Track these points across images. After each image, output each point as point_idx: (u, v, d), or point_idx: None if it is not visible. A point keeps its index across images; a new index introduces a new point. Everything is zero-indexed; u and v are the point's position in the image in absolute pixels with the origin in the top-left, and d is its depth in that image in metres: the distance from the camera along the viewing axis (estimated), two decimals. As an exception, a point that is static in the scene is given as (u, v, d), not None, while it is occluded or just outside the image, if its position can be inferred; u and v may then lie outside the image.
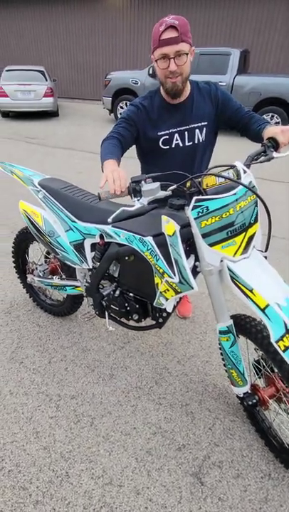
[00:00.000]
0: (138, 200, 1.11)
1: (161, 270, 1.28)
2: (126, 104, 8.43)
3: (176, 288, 1.26)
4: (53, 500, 1.25)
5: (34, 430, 1.48)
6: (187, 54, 1.31)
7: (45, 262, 2.09)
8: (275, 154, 1.26)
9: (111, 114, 8.91)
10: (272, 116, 7.19)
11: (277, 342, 1.03)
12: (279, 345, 1.03)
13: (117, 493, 1.27)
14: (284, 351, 1.03)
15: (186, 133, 1.51)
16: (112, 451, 1.41)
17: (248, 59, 8.25)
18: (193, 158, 1.57)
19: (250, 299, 1.09)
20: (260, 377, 1.40)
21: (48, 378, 1.74)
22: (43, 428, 1.49)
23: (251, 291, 1.09)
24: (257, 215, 1.20)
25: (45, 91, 8.91)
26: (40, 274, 1.99)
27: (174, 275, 1.24)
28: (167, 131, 1.50)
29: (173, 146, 1.53)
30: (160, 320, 1.53)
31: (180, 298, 2.25)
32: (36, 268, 2.02)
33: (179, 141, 1.52)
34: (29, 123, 8.76)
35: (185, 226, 1.18)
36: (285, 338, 1.03)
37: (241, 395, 1.35)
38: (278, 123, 7.15)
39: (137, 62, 12.05)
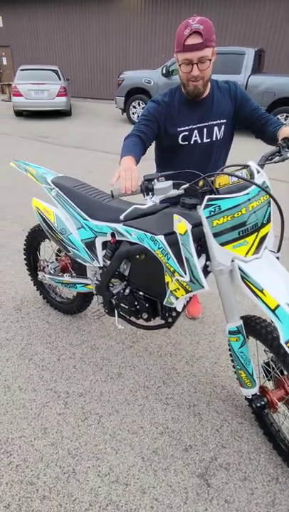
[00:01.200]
0: (150, 198, 1.12)
1: (172, 269, 1.28)
2: (138, 103, 8.44)
3: (187, 287, 1.26)
4: (59, 496, 1.26)
5: (42, 426, 1.50)
6: (210, 59, 1.32)
7: (56, 259, 2.11)
8: None
9: (123, 113, 8.93)
10: (287, 116, 7.11)
11: (287, 343, 1.03)
12: None
13: (123, 492, 1.28)
14: None
15: (204, 129, 1.52)
16: (118, 450, 1.42)
17: (263, 58, 8.16)
18: (210, 156, 1.58)
19: (261, 299, 1.08)
20: (269, 380, 1.39)
21: (56, 375, 1.76)
22: (51, 424, 1.51)
23: (262, 291, 1.08)
24: (270, 215, 1.19)
25: (58, 90, 8.99)
26: (51, 272, 2.01)
27: (185, 274, 1.24)
28: (187, 128, 1.51)
29: (192, 142, 1.54)
30: (169, 320, 1.53)
31: (190, 298, 2.26)
32: (47, 265, 2.04)
33: (198, 138, 1.53)
34: (42, 122, 8.85)
35: (197, 225, 1.18)
36: None
37: (250, 397, 1.34)
38: (292, 123, 7.05)
39: (150, 61, 12.06)
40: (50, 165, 5.28)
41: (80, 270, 1.86)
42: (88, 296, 1.97)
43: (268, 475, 1.35)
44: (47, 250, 2.32)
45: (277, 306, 1.05)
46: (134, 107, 8.56)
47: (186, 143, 1.55)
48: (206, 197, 1.10)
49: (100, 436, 1.47)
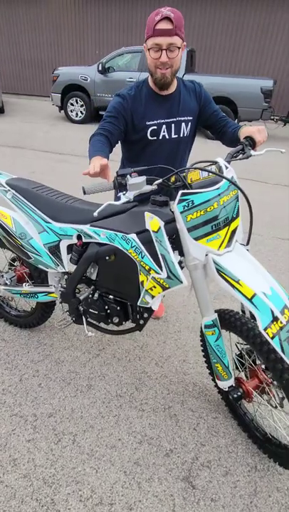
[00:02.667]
0: (124, 194, 1.09)
1: (147, 267, 1.24)
2: (76, 101, 8.15)
3: (164, 284, 1.23)
4: (40, 532, 1.14)
5: (11, 458, 1.35)
6: (179, 48, 1.30)
7: (10, 269, 1.93)
8: (252, 152, 1.30)
9: (61, 111, 8.56)
10: (220, 114, 7.42)
11: (265, 330, 1.04)
12: (267, 333, 1.04)
13: (108, 513, 1.20)
14: (272, 338, 1.03)
15: (172, 125, 1.49)
16: (98, 468, 1.33)
17: (194, 59, 8.39)
18: (176, 152, 1.56)
19: (237, 289, 1.09)
20: (241, 371, 1.41)
21: (20, 398, 1.60)
22: (21, 454, 1.37)
23: (238, 282, 1.09)
24: (238, 209, 1.22)
25: (-13, 86, 8.29)
26: (7, 282, 1.82)
27: (162, 271, 1.21)
28: (156, 122, 1.47)
29: (160, 137, 1.50)
30: (141, 322, 1.48)
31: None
32: (2, 276, 1.84)
33: (166, 133, 1.49)
34: (-28, 120, 8.12)
35: (169, 222, 1.17)
36: (272, 326, 1.04)
37: (226, 389, 1.34)
38: (226, 121, 7.39)
39: (84, 58, 11.72)
40: (-13, 167, 4.84)
41: (41, 278, 1.71)
42: (49, 306, 1.83)
43: (247, 465, 1.38)
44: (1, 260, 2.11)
45: (254, 295, 1.07)
46: (71, 104, 8.24)
47: (155, 138, 1.51)
48: (180, 192, 1.09)
49: (76, 458, 1.36)
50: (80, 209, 1.43)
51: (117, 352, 1.90)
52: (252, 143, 1.34)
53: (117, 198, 1.72)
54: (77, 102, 8.16)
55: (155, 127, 1.47)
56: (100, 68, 7.66)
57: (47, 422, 1.49)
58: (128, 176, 1.09)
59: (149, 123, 1.46)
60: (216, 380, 1.37)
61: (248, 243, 1.24)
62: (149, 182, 1.13)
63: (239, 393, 1.31)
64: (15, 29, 12.09)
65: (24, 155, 5.54)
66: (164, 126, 1.48)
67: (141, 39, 10.63)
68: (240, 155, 1.30)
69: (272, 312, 1.05)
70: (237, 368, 1.44)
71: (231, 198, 1.18)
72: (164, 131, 1.49)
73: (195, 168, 1.13)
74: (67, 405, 1.57)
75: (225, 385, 1.33)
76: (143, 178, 1.09)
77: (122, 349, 1.92)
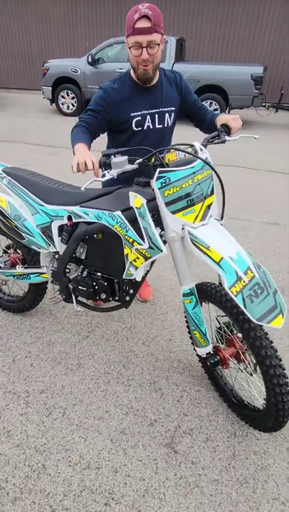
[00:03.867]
0: (108, 172, 1.19)
1: (131, 240, 1.33)
2: (67, 93, 8.11)
3: (146, 254, 1.32)
4: (32, 494, 1.23)
5: (5, 430, 1.44)
6: (159, 44, 1.35)
7: (5, 254, 2.01)
8: (227, 138, 1.41)
9: (53, 104, 8.52)
10: (211, 103, 7.41)
11: (230, 288, 1.13)
12: (232, 291, 1.13)
13: (96, 476, 1.29)
14: (236, 295, 1.12)
15: (156, 116, 1.55)
16: (86, 437, 1.42)
17: (184, 48, 8.34)
18: (161, 141, 1.62)
19: (207, 255, 1.18)
20: (222, 343, 1.49)
21: (13, 376, 1.68)
22: (14, 426, 1.45)
23: (208, 248, 1.18)
24: (213, 187, 1.31)
25: (-22, 80, 8.23)
26: (1, 265, 1.91)
27: (144, 242, 1.31)
28: (140, 113, 1.52)
29: (145, 127, 1.56)
30: (127, 298, 1.57)
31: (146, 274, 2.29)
32: None
33: (150, 124, 1.56)
34: None
35: (150, 200, 1.27)
36: (236, 284, 1.13)
37: (204, 355, 1.43)
38: (216, 109, 7.38)
39: (74, 49, 11.60)
40: (-21, 161, 4.86)
41: (33, 261, 1.79)
42: (41, 288, 1.91)
43: (227, 432, 1.47)
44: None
45: (221, 258, 1.16)
46: (62, 97, 8.20)
47: (140, 128, 1.57)
48: (158, 169, 1.20)
49: (66, 428, 1.45)
50: (70, 192, 1.53)
51: (106, 333, 1.98)
52: (227, 129, 1.43)
53: (112, 183, 1.80)
54: (68, 95, 8.13)
55: (139, 118, 1.53)
56: (90, 60, 7.62)
57: (38, 398, 1.58)
58: (112, 155, 1.19)
59: (133, 114, 1.51)
60: (195, 347, 1.45)
61: (222, 218, 1.34)
62: (131, 162, 1.23)
63: (216, 359, 1.39)
64: (3, 23, 11.93)
65: (16, 148, 5.55)
66: (148, 116, 1.53)
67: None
68: (216, 140, 1.40)
69: (236, 273, 1.15)
70: (218, 340, 1.52)
71: (206, 177, 1.27)
72: (148, 122, 1.54)
73: (172, 149, 1.24)
74: (57, 382, 1.66)
75: (203, 351, 1.41)
76: (125, 157, 1.19)
77: (110, 330, 2.00)
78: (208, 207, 1.29)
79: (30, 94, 11.74)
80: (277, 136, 6.94)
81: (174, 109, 1.58)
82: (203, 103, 7.25)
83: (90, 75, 7.77)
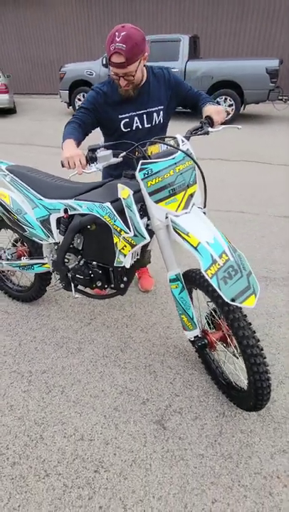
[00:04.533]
0: (95, 165, 1.28)
1: (118, 229, 1.42)
2: (83, 96, 8.33)
3: (132, 241, 1.41)
4: (29, 459, 1.35)
5: (8, 404, 1.57)
6: (136, 70, 1.42)
7: (13, 247, 2.16)
8: (210, 129, 1.46)
9: (70, 107, 8.79)
10: (226, 98, 7.38)
11: (206, 271, 1.19)
12: (207, 273, 1.19)
13: (88, 446, 1.39)
14: (211, 278, 1.19)
15: (144, 116, 1.63)
16: (82, 413, 1.53)
17: (198, 45, 8.35)
18: (151, 138, 1.69)
19: (186, 240, 1.25)
20: (212, 329, 1.55)
21: (19, 358, 1.81)
22: (17, 401, 1.58)
23: (187, 234, 1.25)
24: (195, 177, 1.37)
25: (-1, 88, 8.64)
26: (9, 257, 2.06)
27: (130, 230, 1.39)
28: (127, 115, 1.61)
29: (134, 128, 1.64)
30: (122, 285, 1.66)
31: (140, 272, 2.37)
32: (4, 252, 2.08)
33: (139, 124, 1.64)
34: (-14, 122, 8.48)
35: (137, 192, 1.35)
36: (211, 267, 1.20)
37: (192, 339, 1.49)
38: (231, 105, 7.34)
39: (90, 52, 11.86)
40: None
41: (37, 253, 1.93)
42: (45, 279, 2.04)
43: (216, 412, 1.52)
44: (2, 240, 2.34)
45: (199, 243, 1.23)
46: (79, 99, 8.44)
47: (129, 129, 1.65)
48: (140, 161, 1.27)
49: (64, 404, 1.56)
50: (66, 186, 1.64)
51: (107, 321, 2.08)
52: (211, 121, 1.48)
53: (105, 176, 1.90)
54: (84, 97, 8.34)
55: (127, 120, 1.61)
56: (104, 62, 7.79)
57: (40, 377, 1.70)
58: (97, 150, 1.28)
59: (121, 116, 1.60)
60: (184, 331, 1.52)
61: (204, 206, 1.40)
62: (115, 155, 1.31)
63: (203, 342, 1.46)
64: (22, 31, 12.39)
65: (30, 150, 5.80)
66: (136, 117, 1.61)
67: (147, 30, 10.61)
68: (199, 131, 1.46)
69: (211, 256, 1.21)
70: (208, 325, 1.58)
71: (187, 167, 1.33)
72: (136, 122, 1.62)
73: (153, 142, 1.31)
74: (58, 364, 1.78)
75: (190, 334, 1.48)
76: (110, 151, 1.28)
77: (111, 318, 2.10)
78: (191, 196, 1.35)
79: (49, 99, 12.11)
80: (294, 130, 6.80)
81: (162, 107, 1.64)
82: (217, 99, 7.22)
83: (104, 77, 7.94)
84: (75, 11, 11.41)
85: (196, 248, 1.23)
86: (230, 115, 7.32)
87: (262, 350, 1.26)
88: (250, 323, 1.27)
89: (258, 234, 3.01)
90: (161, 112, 1.66)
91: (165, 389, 1.63)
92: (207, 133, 1.44)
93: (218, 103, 7.39)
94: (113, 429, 1.46)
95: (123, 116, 1.61)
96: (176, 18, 10.44)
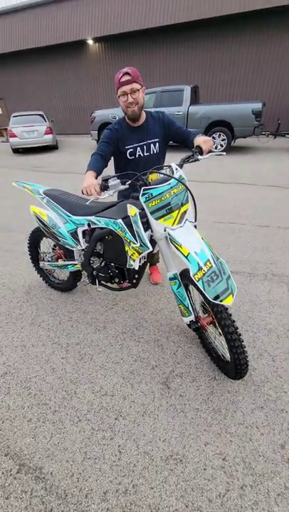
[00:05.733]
0: (107, 191, 1.31)
1: (128, 240, 1.45)
2: (108, 134, 8.46)
3: (139, 250, 1.44)
4: (66, 408, 1.40)
5: (51, 367, 1.63)
6: (139, 90, 1.49)
7: (53, 251, 2.24)
8: (199, 157, 1.46)
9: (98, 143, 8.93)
10: (220, 134, 7.34)
11: (193, 276, 1.22)
12: (195, 278, 1.21)
13: (110, 400, 1.43)
14: (197, 281, 1.21)
15: (144, 146, 1.67)
16: (106, 375, 1.57)
17: (198, 93, 8.35)
18: (151, 164, 1.72)
19: (180, 250, 1.27)
20: (204, 314, 1.57)
21: (59, 333, 1.88)
22: (57, 365, 1.64)
23: (180, 245, 1.27)
24: (187, 198, 1.37)
25: (45, 130, 8.90)
26: (49, 259, 2.13)
27: (136, 242, 1.42)
28: (132, 146, 1.66)
29: (137, 156, 1.69)
30: (134, 281, 1.69)
31: (151, 268, 2.40)
32: (46, 255, 2.16)
33: (141, 153, 1.68)
34: (35, 156, 8.75)
35: (142, 209, 1.36)
36: (198, 273, 1.22)
37: (188, 323, 1.51)
38: (224, 139, 7.30)
39: (114, 101, 12.05)
40: (44, 187, 5.28)
41: (70, 256, 1.99)
42: (77, 275, 2.10)
43: (209, 376, 1.54)
44: (45, 246, 2.44)
45: (188, 253, 1.25)
46: (105, 137, 8.58)
47: (133, 157, 1.70)
48: (142, 188, 1.29)
49: (92, 368, 1.61)
50: (89, 206, 1.68)
51: (126, 306, 2.12)
52: (200, 150, 1.47)
53: (119, 197, 1.95)
54: (102, 134, 8.47)
55: (132, 149, 1.66)
56: (125, 108, 7.89)
57: (75, 348, 1.76)
58: (109, 180, 1.30)
59: (127, 147, 1.65)
60: (182, 317, 1.54)
61: (195, 220, 1.41)
62: (123, 183, 1.34)
63: (197, 326, 1.48)
64: (64, 85, 12.74)
65: (68, 177, 5.94)
66: (138, 148, 1.66)
67: (159, 82, 10.71)
68: (191, 159, 1.45)
69: (198, 264, 1.23)
70: (203, 311, 1.59)
71: (180, 190, 1.33)
72: (139, 152, 1.67)
73: (152, 172, 1.33)
74: (88, 338, 1.83)
75: (186, 320, 1.50)
76: (118, 180, 1.30)
77: (128, 304, 2.14)
78: (184, 212, 1.35)
79: (83, 138, 12.36)
80: (277, 158, 6.71)
81: (158, 139, 1.67)
82: (213, 135, 7.17)
83: (125, 119, 8.04)
84: (103, 69, 11.65)
85: (186, 257, 1.24)
86: (224, 147, 7.30)
87: (240, 335, 1.27)
88: (230, 314, 1.28)
89: (246, 240, 2.99)
90: (157, 144, 1.69)
91: (169, 358, 1.66)
92: (198, 160, 1.43)
93: (213, 138, 7.43)
94: (129, 387, 1.50)
95: (128, 146, 1.66)
96: (182, 72, 10.50)
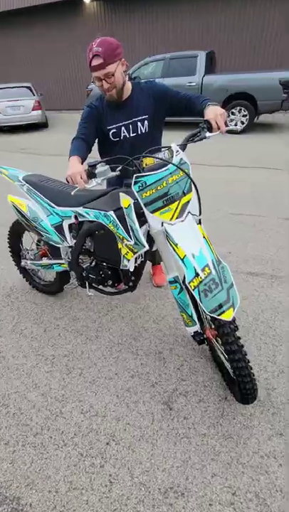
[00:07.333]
0: (95, 179, 1.29)
1: (121, 236, 1.44)
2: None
3: (133, 249, 1.43)
4: (49, 431, 1.42)
5: (33, 382, 1.65)
6: (115, 70, 1.43)
7: (37, 248, 2.25)
8: (208, 134, 1.38)
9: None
10: (240, 109, 7.29)
11: (189, 283, 1.21)
12: (190, 285, 1.21)
13: (101, 421, 1.45)
14: (193, 290, 1.20)
15: (130, 126, 1.65)
16: (97, 392, 1.58)
17: (215, 60, 8.30)
18: (139, 146, 1.69)
19: (175, 251, 1.26)
20: (212, 326, 1.56)
21: (43, 343, 1.90)
22: (40, 380, 1.66)
23: (176, 245, 1.25)
24: (190, 186, 1.33)
25: (33, 105, 8.96)
26: (32, 257, 2.15)
27: (131, 239, 1.40)
28: (115, 126, 1.64)
29: (121, 137, 1.67)
30: (130, 283, 1.69)
31: (154, 268, 2.41)
32: (28, 253, 2.18)
33: (126, 133, 1.66)
34: (22, 135, 8.82)
35: (137, 200, 1.34)
36: (194, 280, 1.21)
37: (192, 334, 1.51)
38: (246, 115, 7.25)
39: (115, 71, 12.04)
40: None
41: (56, 254, 2.00)
42: (65, 276, 2.12)
43: (219, 396, 1.54)
44: (29, 241, 2.47)
45: (185, 256, 1.23)
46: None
47: (118, 139, 1.68)
48: (134, 175, 1.26)
49: (81, 384, 1.63)
50: (76, 195, 1.67)
51: (122, 312, 2.13)
52: (209, 125, 1.39)
53: (108, 185, 1.94)
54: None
55: (115, 130, 1.64)
56: (128, 79, 7.90)
57: (62, 360, 1.78)
58: (96, 165, 1.27)
59: (109, 127, 1.64)
60: (185, 327, 1.53)
61: (200, 213, 1.37)
62: (113, 169, 1.31)
63: (202, 338, 1.48)
64: (54, 53, 12.80)
65: (59, 160, 5.97)
66: (122, 128, 1.64)
67: (167, 48, 10.68)
68: (196, 138, 1.38)
69: (195, 270, 1.21)
70: (212, 322, 1.58)
71: (181, 177, 1.29)
72: (123, 132, 1.65)
73: (145, 156, 1.29)
74: (78, 349, 1.85)
75: (190, 330, 1.49)
76: (107, 166, 1.28)
77: (126, 310, 2.15)
78: (186, 204, 1.30)
79: (76, 114, 12.40)
80: (306, 137, 6.62)
81: (146, 116, 1.63)
82: (232, 110, 7.11)
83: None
84: (100, 32, 11.65)
85: (182, 260, 1.23)
86: (245, 124, 7.24)
87: (245, 354, 1.26)
88: (234, 329, 1.26)
89: (267, 235, 2.97)
90: (146, 122, 1.65)
91: (173, 374, 1.66)
92: (205, 137, 1.36)
93: (232, 113, 7.38)
94: (124, 407, 1.50)
95: (111, 127, 1.64)
96: (195, 36, 10.43)
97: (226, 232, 3.04)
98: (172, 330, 1.96)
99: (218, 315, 1.17)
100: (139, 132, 1.67)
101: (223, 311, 1.17)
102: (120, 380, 1.64)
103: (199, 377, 1.64)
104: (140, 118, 1.64)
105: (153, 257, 2.27)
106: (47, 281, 2.35)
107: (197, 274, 1.21)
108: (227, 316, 1.16)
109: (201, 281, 1.20)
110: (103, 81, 1.46)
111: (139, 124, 1.65)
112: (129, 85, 1.60)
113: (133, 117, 1.63)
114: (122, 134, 1.66)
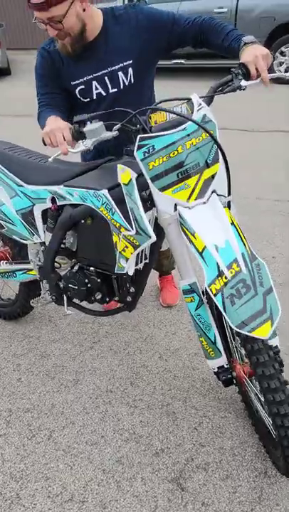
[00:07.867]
0: (82, 142, 1.30)
1: (117, 225, 1.43)
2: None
3: (134, 241, 1.42)
4: (1, 524, 1.41)
5: (-21, 451, 1.65)
6: (67, 11, 1.40)
7: None
8: (243, 83, 1.37)
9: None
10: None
11: (209, 286, 1.21)
12: (211, 289, 1.20)
13: (78, 510, 1.43)
14: (215, 295, 1.20)
15: (106, 78, 1.62)
16: (73, 465, 1.57)
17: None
18: (124, 107, 1.62)
19: (192, 242, 1.27)
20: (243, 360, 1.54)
21: (-3, 392, 1.91)
22: (-9, 448, 1.66)
23: (193, 234, 1.26)
24: (217, 154, 1.34)
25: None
26: None
27: (131, 228, 1.40)
28: (81, 80, 1.62)
29: (94, 97, 1.65)
30: (128, 299, 1.68)
31: (162, 280, 2.41)
32: None
33: (101, 90, 1.64)
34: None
35: (141, 174, 1.34)
36: (217, 281, 1.21)
37: (215, 369, 1.48)
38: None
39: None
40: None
41: (21, 255, 2.01)
42: (32, 289, 2.11)
43: (255, 470, 1.51)
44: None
45: (204, 248, 1.24)
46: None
47: (88, 99, 1.67)
48: (138, 136, 1.26)
49: (50, 454, 1.62)
50: (54, 168, 1.68)
51: (115, 344, 2.13)
52: (247, 71, 1.36)
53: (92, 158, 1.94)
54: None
55: (82, 86, 1.63)
56: (127, 1, 7.95)
57: (22, 417, 1.77)
58: (86, 122, 1.29)
59: (74, 83, 1.62)
60: (206, 360, 1.51)
61: (229, 194, 1.37)
62: (109, 128, 1.32)
63: (229, 376, 1.45)
64: None
65: (31, 123, 6.03)
66: (94, 82, 1.62)
67: None
68: (228, 88, 1.39)
69: (218, 267, 1.21)
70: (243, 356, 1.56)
71: (205, 141, 1.30)
72: (96, 89, 1.63)
73: (155, 109, 1.29)
74: (47, 400, 1.84)
75: (213, 364, 1.47)
76: (100, 123, 1.29)
77: (120, 341, 2.14)
78: (209, 180, 1.32)
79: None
80: None
81: (130, 62, 1.60)
82: (282, 48, 7.05)
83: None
84: None
85: (201, 254, 1.24)
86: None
87: None
88: (276, 356, 1.25)
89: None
90: (130, 69, 1.62)
91: (187, 436, 1.64)
92: (241, 88, 1.37)
93: (281, 54, 7.30)
94: (114, 488, 1.48)
95: (75, 82, 1.62)
96: None
97: (267, 227, 3.01)
98: (187, 370, 1.94)
99: (249, 331, 1.16)
100: (122, 86, 1.65)
101: (257, 326, 1.16)
102: (109, 446, 1.63)
103: (226, 441, 1.61)
104: (120, 65, 1.61)
105: (160, 262, 2.24)
106: (4, 299, 2.36)
107: (221, 273, 1.21)
108: (262, 334, 1.15)
109: (226, 283, 1.20)
110: (48, 26, 1.44)
111: (120, 73, 1.62)
112: (97, 16, 1.57)
113: (109, 65, 1.60)
114: (95, 92, 1.64)
